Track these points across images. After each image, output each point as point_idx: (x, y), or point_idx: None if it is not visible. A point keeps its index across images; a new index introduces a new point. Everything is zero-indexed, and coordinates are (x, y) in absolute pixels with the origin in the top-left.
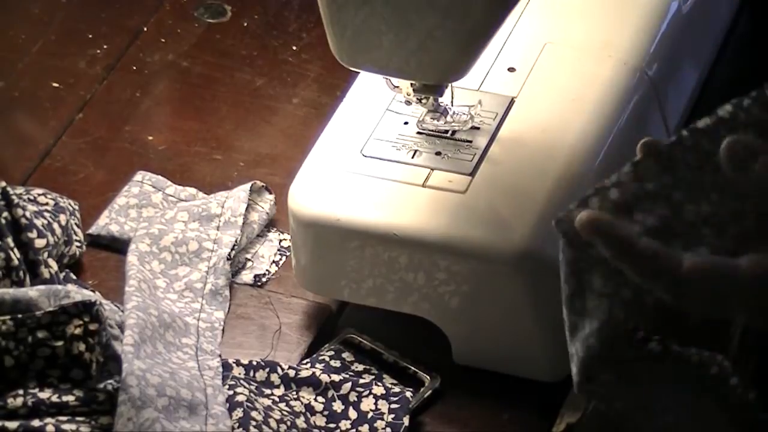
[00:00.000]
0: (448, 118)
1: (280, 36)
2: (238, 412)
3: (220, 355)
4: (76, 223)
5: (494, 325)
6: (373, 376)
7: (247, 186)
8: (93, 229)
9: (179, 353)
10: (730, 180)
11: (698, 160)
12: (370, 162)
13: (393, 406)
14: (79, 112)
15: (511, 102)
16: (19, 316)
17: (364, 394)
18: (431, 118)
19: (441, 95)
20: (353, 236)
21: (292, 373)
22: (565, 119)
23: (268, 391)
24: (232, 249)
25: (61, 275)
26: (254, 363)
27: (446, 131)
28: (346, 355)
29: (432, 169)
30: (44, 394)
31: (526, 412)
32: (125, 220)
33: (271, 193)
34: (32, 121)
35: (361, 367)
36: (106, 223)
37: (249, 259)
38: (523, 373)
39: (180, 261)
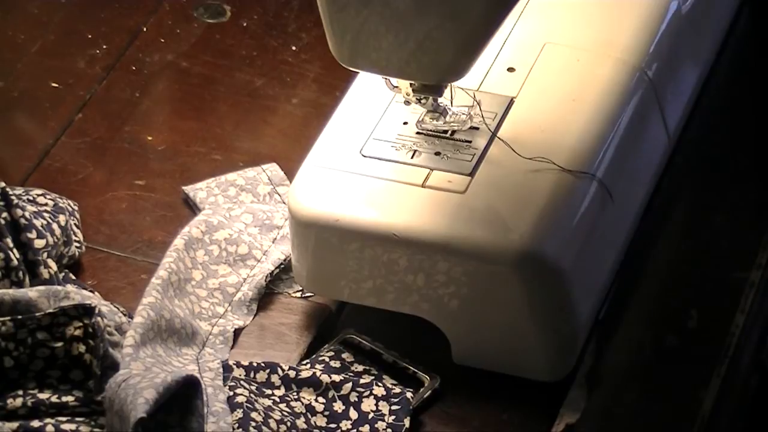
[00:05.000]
0: (448, 118)
1: (279, 36)
2: (238, 413)
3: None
4: (75, 224)
5: (494, 325)
6: (373, 377)
7: None
8: (189, 187)
9: (179, 358)
10: None
11: None
12: (370, 162)
13: (394, 407)
14: (79, 112)
15: (511, 102)
16: (19, 317)
17: (365, 394)
18: (430, 118)
19: (440, 95)
20: (353, 236)
21: (292, 373)
22: (565, 119)
23: (268, 392)
24: (277, 267)
25: (60, 275)
26: (254, 364)
27: (445, 131)
28: (346, 356)
29: (431, 170)
30: (44, 395)
31: (526, 412)
32: (219, 192)
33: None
34: (31, 121)
35: (360, 368)
36: (201, 188)
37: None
38: (523, 373)
39: (225, 259)
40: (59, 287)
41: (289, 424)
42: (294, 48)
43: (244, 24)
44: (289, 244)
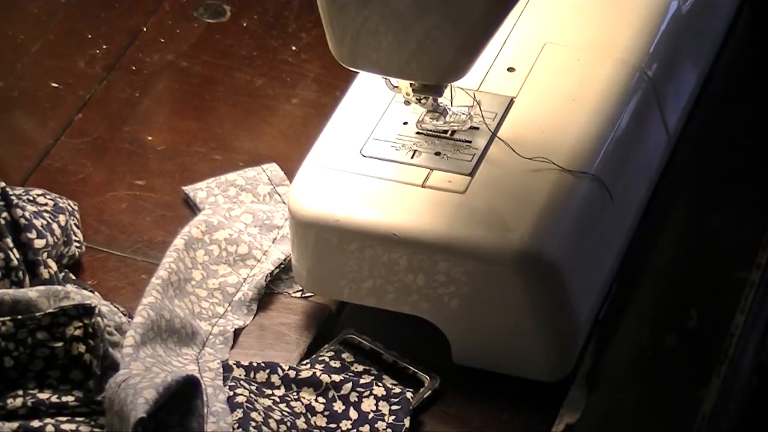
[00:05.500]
0: (448, 118)
1: (279, 36)
2: (238, 413)
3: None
4: (75, 224)
5: (494, 325)
6: (373, 377)
7: None
8: (188, 187)
9: (179, 358)
10: None
11: None
12: (370, 162)
13: (394, 407)
14: (79, 112)
15: (511, 102)
16: (19, 317)
17: (365, 394)
18: (430, 119)
19: (440, 95)
20: (353, 237)
21: (292, 373)
22: (565, 119)
23: (268, 392)
24: (277, 267)
25: (60, 275)
26: (254, 364)
27: (445, 131)
28: (346, 356)
29: (431, 170)
30: (44, 395)
31: (526, 412)
32: (219, 192)
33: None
34: (31, 121)
35: (360, 368)
36: (201, 188)
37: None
38: (523, 373)
39: (225, 259)
40: (59, 287)
41: (289, 424)
42: (294, 48)
43: (244, 24)
44: (289, 244)
